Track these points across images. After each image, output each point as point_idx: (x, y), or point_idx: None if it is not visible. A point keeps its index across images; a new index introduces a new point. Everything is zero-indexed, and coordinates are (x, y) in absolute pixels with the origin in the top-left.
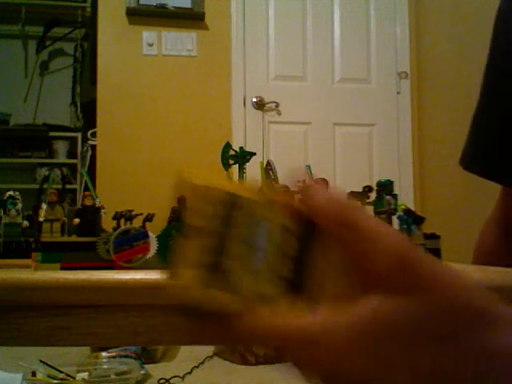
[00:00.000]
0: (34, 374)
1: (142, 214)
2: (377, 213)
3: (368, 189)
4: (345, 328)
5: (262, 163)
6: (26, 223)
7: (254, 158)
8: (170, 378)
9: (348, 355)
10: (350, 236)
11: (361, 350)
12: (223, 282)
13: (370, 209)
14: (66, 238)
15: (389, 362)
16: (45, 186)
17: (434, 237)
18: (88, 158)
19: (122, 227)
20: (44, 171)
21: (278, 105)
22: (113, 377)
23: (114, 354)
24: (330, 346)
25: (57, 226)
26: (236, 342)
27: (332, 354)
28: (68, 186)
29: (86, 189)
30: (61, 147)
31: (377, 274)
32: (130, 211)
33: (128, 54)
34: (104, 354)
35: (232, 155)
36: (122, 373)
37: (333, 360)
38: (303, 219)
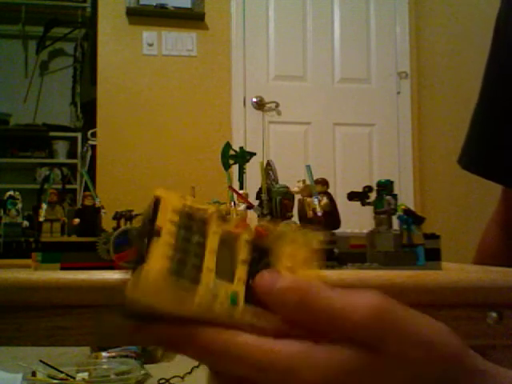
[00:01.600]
0: (34, 373)
1: (141, 214)
2: (377, 213)
3: (368, 189)
4: (323, 368)
5: (262, 163)
6: (26, 223)
7: (254, 157)
8: (170, 378)
9: None
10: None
11: None
12: (186, 277)
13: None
14: (65, 238)
15: None
16: (45, 186)
17: (434, 237)
18: (88, 157)
19: (122, 227)
20: (44, 171)
21: (277, 105)
22: (113, 377)
23: (113, 354)
24: (307, 380)
25: (57, 226)
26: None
27: None
28: (68, 186)
29: (86, 189)
30: (61, 147)
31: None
32: (130, 211)
33: (128, 54)
34: (104, 354)
35: (232, 155)
36: (122, 373)
37: None
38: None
